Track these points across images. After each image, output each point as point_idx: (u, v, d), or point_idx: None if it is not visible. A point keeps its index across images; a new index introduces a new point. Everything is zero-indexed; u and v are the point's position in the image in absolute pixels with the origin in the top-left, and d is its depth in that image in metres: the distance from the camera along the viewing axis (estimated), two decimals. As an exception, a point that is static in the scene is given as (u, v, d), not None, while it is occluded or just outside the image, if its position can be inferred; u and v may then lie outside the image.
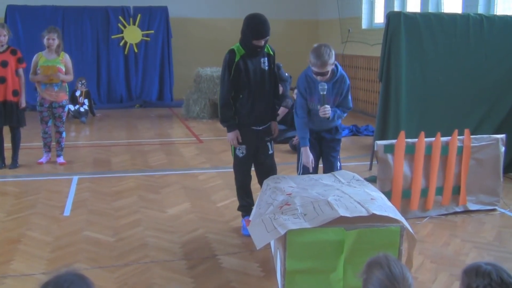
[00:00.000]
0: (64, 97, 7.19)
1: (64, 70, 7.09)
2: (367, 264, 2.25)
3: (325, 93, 4.42)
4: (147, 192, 6.11)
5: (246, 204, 4.91)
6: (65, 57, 7.17)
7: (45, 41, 7.04)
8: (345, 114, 4.69)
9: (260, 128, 4.76)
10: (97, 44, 12.93)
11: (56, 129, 7.26)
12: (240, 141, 4.71)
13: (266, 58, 4.68)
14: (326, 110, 4.44)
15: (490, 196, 5.53)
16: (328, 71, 4.41)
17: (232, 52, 4.60)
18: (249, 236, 4.06)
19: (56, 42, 7.05)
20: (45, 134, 7.28)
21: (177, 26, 13.47)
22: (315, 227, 3.27)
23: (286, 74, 9.40)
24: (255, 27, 4.48)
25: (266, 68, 4.68)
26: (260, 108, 4.69)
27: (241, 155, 4.79)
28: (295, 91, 9.07)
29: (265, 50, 4.68)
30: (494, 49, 6.82)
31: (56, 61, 7.05)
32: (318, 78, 4.43)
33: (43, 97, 7.09)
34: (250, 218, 4.14)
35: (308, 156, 4.57)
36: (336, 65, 4.51)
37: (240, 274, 4.05)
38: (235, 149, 4.80)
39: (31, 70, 7.02)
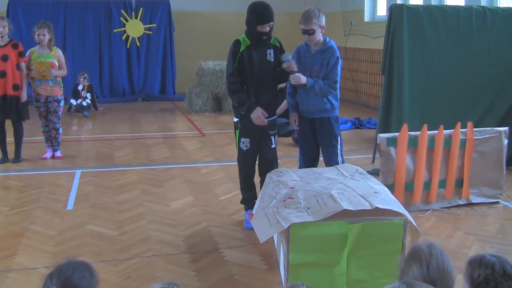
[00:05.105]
0: (59, 91, 7.14)
1: (57, 65, 7.06)
2: (409, 253, 2.19)
3: (289, 59, 4.51)
4: (150, 186, 6.11)
5: (249, 198, 4.90)
6: (58, 52, 7.11)
7: (36, 37, 6.99)
8: (332, 90, 4.68)
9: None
10: (99, 38, 12.91)
11: (52, 125, 7.20)
12: (267, 115, 4.63)
13: (272, 50, 4.65)
14: (296, 77, 4.55)
15: (493, 188, 5.51)
16: (313, 30, 4.54)
17: (237, 43, 4.59)
18: (252, 229, 4.06)
19: (47, 37, 6.97)
20: (45, 128, 7.27)
21: (179, 20, 13.44)
22: (319, 221, 3.27)
23: None
24: (258, 11, 4.47)
25: (272, 59, 4.65)
26: (264, 100, 4.65)
27: (245, 148, 4.76)
28: None
29: (272, 42, 4.66)
30: (497, 41, 6.80)
31: (49, 56, 7.00)
32: (305, 37, 4.53)
33: (38, 93, 7.06)
34: (253, 212, 4.14)
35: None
36: (328, 38, 4.67)
37: (243, 267, 4.06)
38: (239, 142, 4.77)
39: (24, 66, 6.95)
